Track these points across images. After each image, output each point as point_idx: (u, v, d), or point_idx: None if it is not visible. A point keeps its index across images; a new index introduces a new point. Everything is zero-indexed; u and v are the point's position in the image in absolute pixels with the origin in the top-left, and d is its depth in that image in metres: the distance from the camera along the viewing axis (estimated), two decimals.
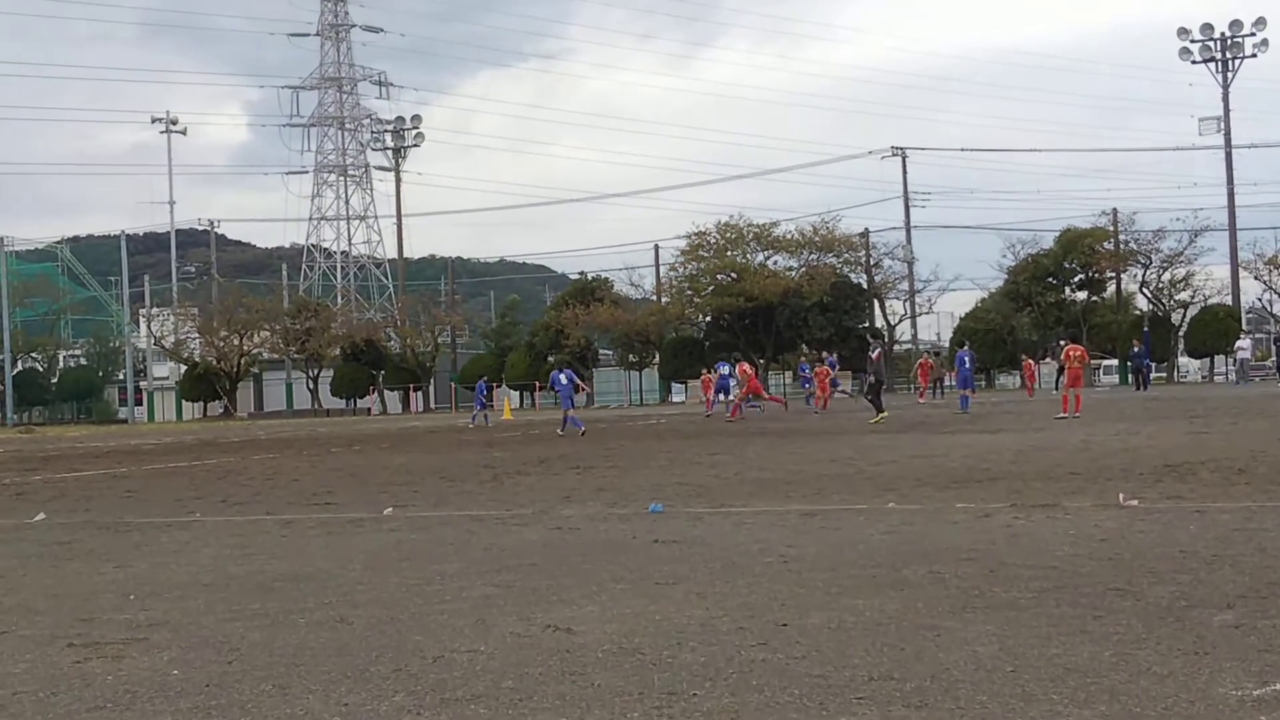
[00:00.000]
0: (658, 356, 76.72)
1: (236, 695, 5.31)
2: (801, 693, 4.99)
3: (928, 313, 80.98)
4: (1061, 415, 29.42)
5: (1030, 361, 58.27)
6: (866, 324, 76.95)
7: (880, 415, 31.21)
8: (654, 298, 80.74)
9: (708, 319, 78.17)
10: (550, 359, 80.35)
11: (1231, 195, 72.58)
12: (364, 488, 16.78)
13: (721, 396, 42.93)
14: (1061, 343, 64.83)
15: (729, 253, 75.08)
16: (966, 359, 38.67)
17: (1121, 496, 11.52)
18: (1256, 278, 70.31)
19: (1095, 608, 6.47)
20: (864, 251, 77.03)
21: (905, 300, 78.74)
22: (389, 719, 4.84)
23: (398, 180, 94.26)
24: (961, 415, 33.38)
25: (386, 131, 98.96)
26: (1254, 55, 73.77)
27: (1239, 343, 63.94)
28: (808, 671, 5.34)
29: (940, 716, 4.58)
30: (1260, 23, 73.18)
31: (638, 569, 8.42)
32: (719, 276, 74.68)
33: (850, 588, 7.35)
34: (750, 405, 40.77)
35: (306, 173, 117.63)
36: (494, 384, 58.06)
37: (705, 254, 75.23)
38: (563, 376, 34.15)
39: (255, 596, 7.91)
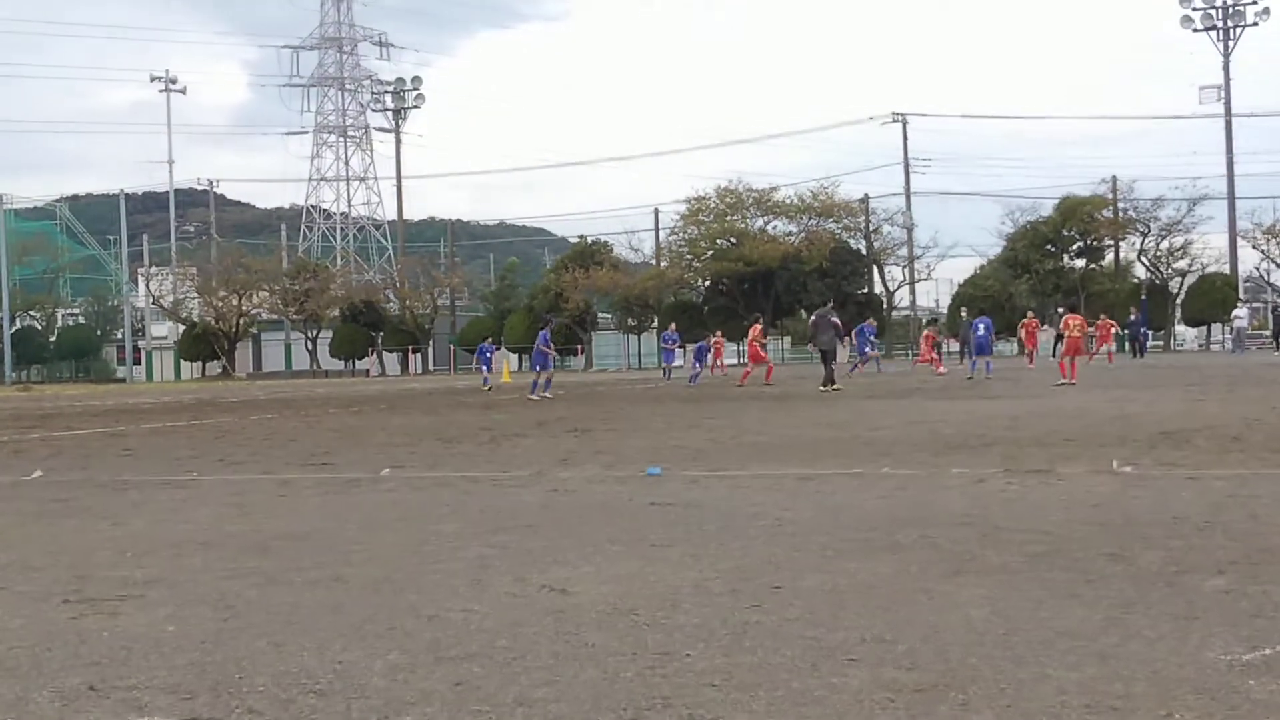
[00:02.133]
0: (656, 320, 76.72)
1: (232, 652, 5.34)
2: (794, 654, 5.02)
3: (926, 279, 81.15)
4: (1061, 382, 29.50)
5: (1033, 321, 51.67)
6: (866, 289, 77.03)
7: (832, 386, 30.23)
8: (653, 262, 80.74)
9: (707, 283, 78.20)
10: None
11: (1231, 164, 72.57)
12: (361, 448, 16.81)
13: (697, 365, 43.35)
14: (1060, 310, 64.83)
15: (728, 217, 75.09)
16: (982, 326, 38.84)
17: (1115, 463, 11.56)
18: (1254, 247, 70.38)
19: (1087, 572, 6.50)
20: (863, 217, 77.03)
21: (904, 266, 78.79)
22: (383, 676, 4.87)
23: (398, 142, 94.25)
24: (965, 382, 33.40)
25: (387, 92, 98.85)
26: (1255, 24, 73.69)
27: (1236, 311, 64.05)
28: (800, 633, 5.36)
29: (931, 678, 4.61)
30: None
31: (634, 531, 8.45)
32: (718, 241, 74.72)
33: (844, 551, 7.38)
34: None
35: (306, 133, 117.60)
36: (495, 346, 57.93)
37: (705, 218, 75.25)
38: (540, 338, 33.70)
39: (252, 555, 7.93)
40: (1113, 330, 50.15)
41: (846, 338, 46.22)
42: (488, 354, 45.24)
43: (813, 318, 33.75)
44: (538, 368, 32.84)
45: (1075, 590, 6.08)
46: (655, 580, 6.67)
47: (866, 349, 46.48)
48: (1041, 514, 8.65)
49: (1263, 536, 7.44)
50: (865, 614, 5.69)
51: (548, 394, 31.39)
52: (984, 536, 7.72)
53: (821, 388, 30.02)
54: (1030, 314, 52.52)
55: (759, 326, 43.04)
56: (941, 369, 44.43)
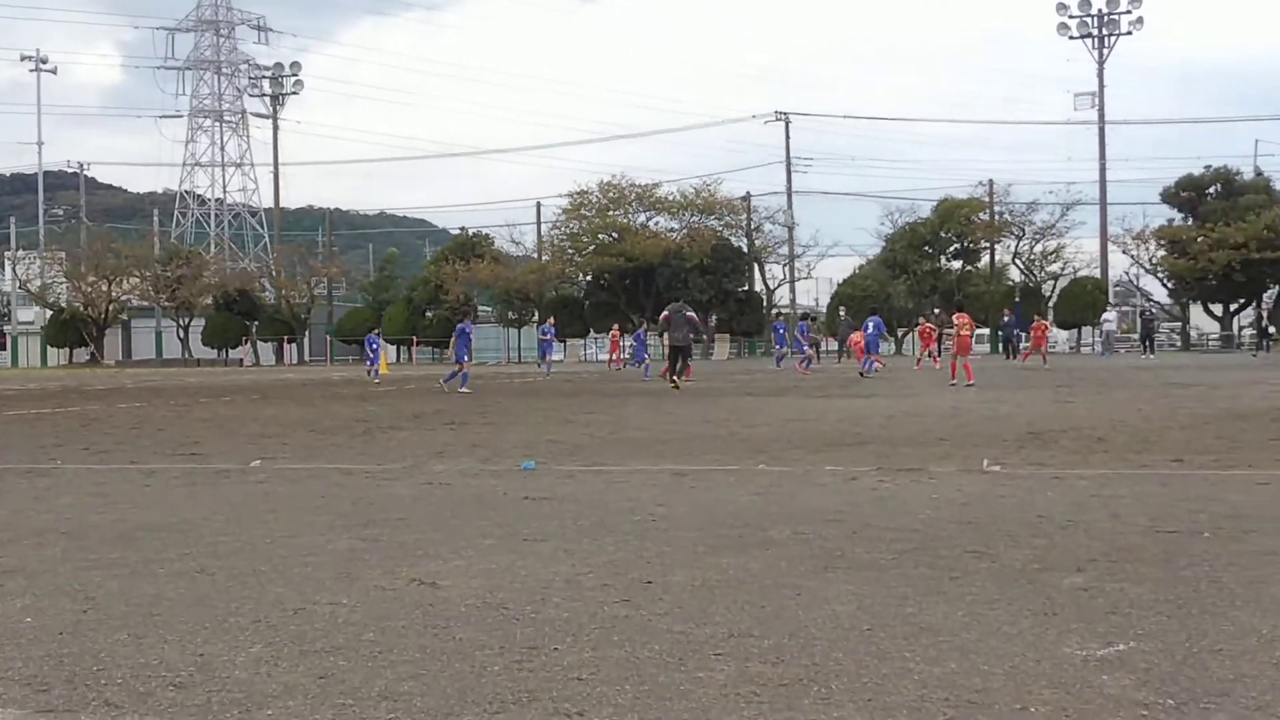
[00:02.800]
0: (537, 314, 76.54)
1: (90, 644, 5.24)
2: (661, 648, 5.04)
3: (806, 278, 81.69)
4: (954, 382, 29.20)
5: (927, 325, 49.28)
6: (746, 287, 77.48)
7: (683, 378, 29.67)
8: (535, 255, 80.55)
9: (588, 278, 78.16)
10: (428, 314, 79.90)
11: (1103, 170, 74.03)
12: (232, 439, 16.58)
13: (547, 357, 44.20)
14: (935, 310, 65.67)
15: (611, 212, 75.06)
16: (871, 324, 39.70)
17: (985, 462, 11.76)
18: (1124, 251, 71.78)
19: (952, 569, 6.60)
20: (745, 215, 77.42)
21: (784, 265, 79.30)
22: (245, 669, 4.81)
23: (275, 128, 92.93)
24: (851, 380, 33.75)
25: (264, 78, 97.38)
26: (1129, 33, 75.12)
27: (1105, 315, 65.41)
28: (669, 628, 5.39)
29: (795, 672, 4.65)
30: (1136, 1, 74.47)
31: (507, 525, 8.43)
32: (600, 236, 74.68)
33: (716, 547, 7.42)
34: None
35: (181, 117, 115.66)
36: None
37: (587, 213, 75.18)
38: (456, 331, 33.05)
39: (115, 546, 7.79)
40: (1047, 331, 50.17)
41: (790, 336, 45.90)
42: (374, 345, 44.18)
43: (665, 312, 32.64)
44: (459, 359, 32.11)
45: (940, 587, 6.18)
46: (526, 574, 6.65)
47: (806, 348, 46.39)
48: (911, 512, 8.76)
49: (1122, 535, 7.61)
50: (734, 609, 5.73)
51: (464, 388, 30.71)
52: (854, 533, 7.81)
53: (670, 381, 29.38)
54: (923, 319, 52.34)
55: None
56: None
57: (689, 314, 31.50)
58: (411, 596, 6.13)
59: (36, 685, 4.64)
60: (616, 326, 57.64)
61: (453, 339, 32.71)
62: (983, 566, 6.68)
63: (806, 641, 5.11)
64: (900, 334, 73.17)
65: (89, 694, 4.52)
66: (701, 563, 6.92)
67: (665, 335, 32.71)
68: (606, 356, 58.99)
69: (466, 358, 31.88)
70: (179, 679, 4.69)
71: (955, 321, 32.08)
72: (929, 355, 46.74)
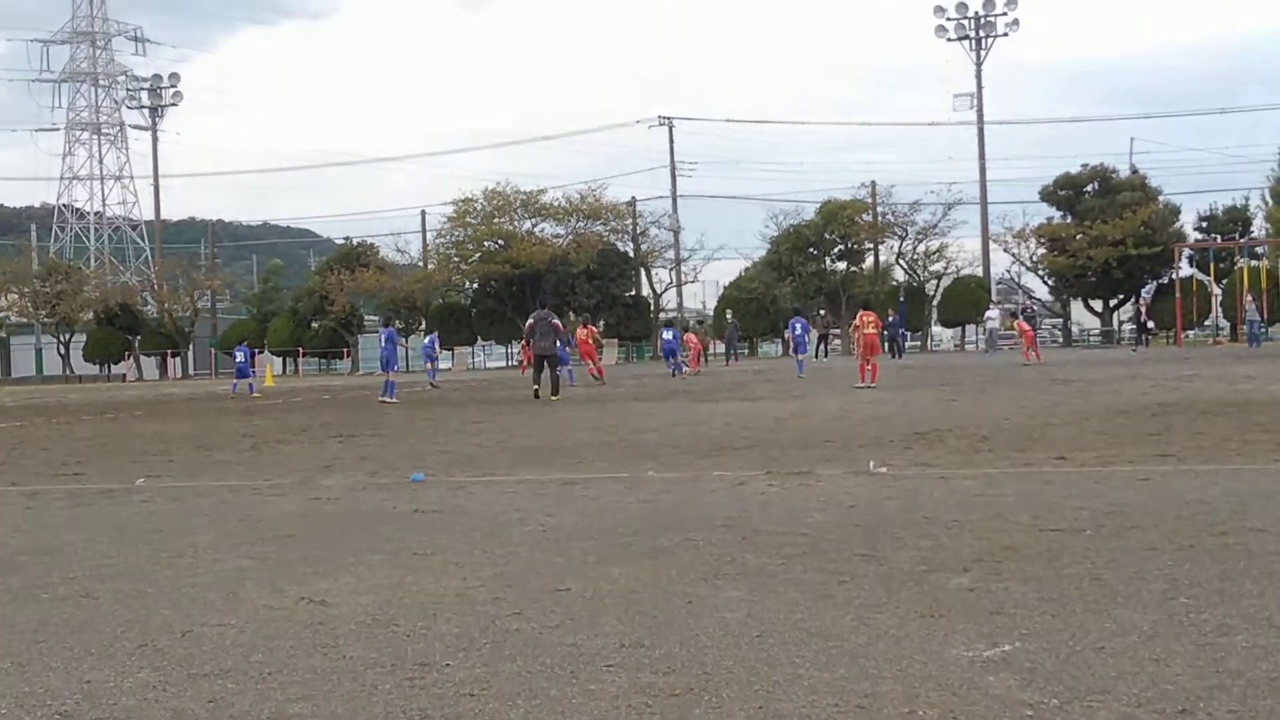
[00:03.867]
0: (424, 323, 76.07)
1: None
2: (553, 661, 5.05)
3: (693, 281, 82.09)
4: (860, 385, 28.37)
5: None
6: (634, 291, 77.66)
7: (551, 395, 27.94)
8: (420, 264, 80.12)
9: (475, 285, 77.88)
10: (314, 325, 79.14)
11: (983, 170, 75.21)
12: (115, 457, 16.32)
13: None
14: (822, 313, 66.20)
15: (496, 220, 74.89)
16: (799, 325, 40.90)
17: (871, 464, 11.90)
18: (1006, 250, 72.87)
19: (841, 573, 6.68)
20: (631, 220, 77.57)
21: (671, 269, 79.59)
22: (133, 695, 4.74)
23: (154, 140, 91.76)
24: (739, 383, 33.93)
25: (143, 89, 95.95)
26: (1005, 34, 76.39)
27: (988, 313, 66.41)
28: (561, 640, 5.40)
29: (687, 681, 4.68)
30: (1012, 3, 75.76)
31: (397, 539, 8.38)
32: (486, 243, 74.44)
33: (607, 556, 7.45)
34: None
35: (58, 130, 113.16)
36: (256, 350, 55.41)
37: (472, 220, 74.90)
38: (383, 338, 32.56)
39: None
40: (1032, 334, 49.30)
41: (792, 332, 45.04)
42: (246, 357, 42.54)
43: (530, 320, 31.28)
44: (388, 369, 31.68)
45: (829, 591, 6.25)
46: (417, 590, 6.63)
47: (807, 347, 45.88)
48: (800, 515, 8.85)
49: (1006, 534, 7.75)
50: (625, 619, 5.76)
51: (393, 398, 30.03)
52: (743, 539, 7.87)
53: (539, 396, 27.87)
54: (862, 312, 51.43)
55: (590, 328, 43.85)
56: (696, 368, 45.61)
57: (554, 321, 29.81)
58: (300, 615, 6.08)
59: None
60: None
61: (382, 345, 32.19)
62: (871, 569, 6.77)
63: (697, 650, 5.15)
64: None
65: None
66: (592, 573, 6.94)
67: (527, 343, 31.75)
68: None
69: (395, 365, 31.46)
70: (64, 707, 4.62)
71: (860, 320, 31.05)
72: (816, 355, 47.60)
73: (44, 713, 4.57)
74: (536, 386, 28.39)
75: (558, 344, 29.59)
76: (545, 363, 28.78)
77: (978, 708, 4.28)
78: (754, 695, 4.50)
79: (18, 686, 4.93)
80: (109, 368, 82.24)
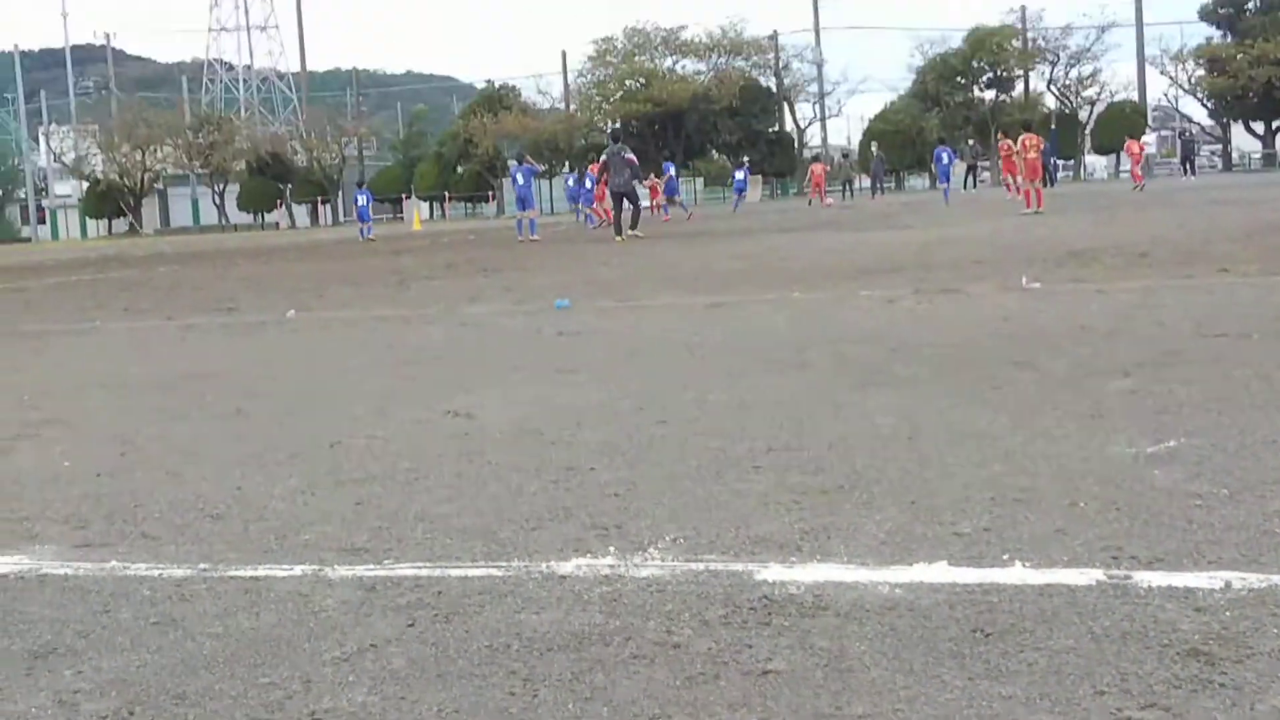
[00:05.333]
0: (567, 165, 76.03)
1: (127, 483, 5.21)
2: (699, 464, 4.96)
3: (837, 115, 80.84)
4: (1026, 211, 26.99)
5: (1006, 143, 38.89)
6: (776, 127, 76.65)
7: (630, 232, 27.11)
8: (562, 106, 79.83)
9: (617, 125, 77.49)
10: (459, 169, 79.49)
11: None
12: (268, 294, 16.56)
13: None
14: (970, 143, 64.76)
15: (636, 58, 74.15)
16: (945, 155, 41.28)
17: (1024, 279, 11.58)
18: (1163, 73, 70.46)
19: (994, 380, 6.49)
20: (773, 54, 76.28)
21: (814, 103, 78.37)
22: (282, 499, 4.77)
23: None
24: (885, 214, 33.42)
25: None
26: None
27: (1144, 138, 64.42)
28: (706, 445, 5.31)
29: (835, 480, 4.57)
30: None
31: (541, 359, 8.36)
32: (627, 82, 73.84)
33: (753, 369, 7.33)
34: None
35: None
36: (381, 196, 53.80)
37: (613, 59, 74.27)
38: (519, 175, 31.51)
39: (152, 394, 7.77)
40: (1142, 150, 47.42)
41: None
42: (366, 201, 42.29)
43: (602, 157, 30.00)
44: (527, 207, 31.20)
45: (982, 396, 6.07)
46: (561, 403, 6.59)
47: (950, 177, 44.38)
48: (950, 329, 8.65)
49: (1168, 341, 7.47)
50: (772, 425, 5.65)
51: (535, 235, 29.85)
52: (892, 351, 7.70)
53: (617, 236, 26.69)
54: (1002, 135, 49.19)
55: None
56: (829, 201, 44.87)
57: (628, 155, 28.03)
58: (447, 427, 6.07)
59: (75, 522, 4.61)
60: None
61: (518, 183, 31.58)
62: (1026, 376, 6.57)
63: (846, 452, 5.03)
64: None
65: (127, 528, 4.49)
66: (738, 384, 6.83)
67: (600, 182, 30.46)
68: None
69: (533, 204, 31.40)
70: (216, 510, 4.66)
71: (1023, 144, 29.51)
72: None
73: (196, 515, 4.61)
74: (620, 232, 26.90)
75: (632, 179, 28.34)
76: (621, 200, 27.64)
77: (1143, 499, 4.10)
78: (906, 491, 4.37)
79: (172, 493, 4.98)
80: (263, 216, 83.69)
